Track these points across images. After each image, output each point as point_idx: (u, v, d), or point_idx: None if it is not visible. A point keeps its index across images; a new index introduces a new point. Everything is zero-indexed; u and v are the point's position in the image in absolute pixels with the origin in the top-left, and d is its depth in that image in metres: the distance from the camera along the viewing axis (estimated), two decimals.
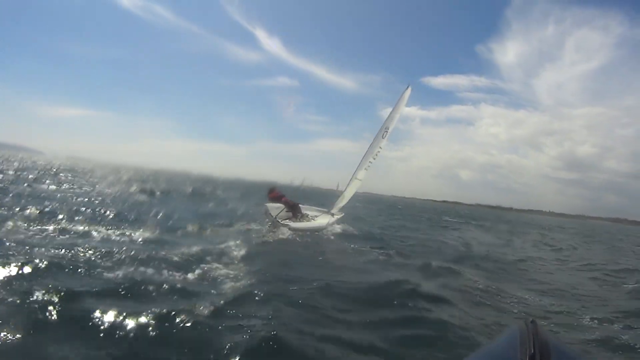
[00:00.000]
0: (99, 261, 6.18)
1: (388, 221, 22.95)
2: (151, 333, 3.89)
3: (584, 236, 32.50)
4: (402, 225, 21.40)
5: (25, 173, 26.73)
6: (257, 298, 5.19)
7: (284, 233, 11.46)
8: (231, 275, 6.32)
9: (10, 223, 8.29)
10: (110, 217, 10.88)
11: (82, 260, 6.09)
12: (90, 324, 3.95)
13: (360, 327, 4.71)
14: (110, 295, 4.75)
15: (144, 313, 4.16)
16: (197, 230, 10.67)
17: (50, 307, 4.13)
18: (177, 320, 4.12)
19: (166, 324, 4.05)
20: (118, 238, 8.40)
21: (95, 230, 8.74)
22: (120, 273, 5.68)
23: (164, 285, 5.29)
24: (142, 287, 5.12)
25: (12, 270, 5.09)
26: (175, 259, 6.92)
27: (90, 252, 6.63)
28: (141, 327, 3.95)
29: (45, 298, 4.30)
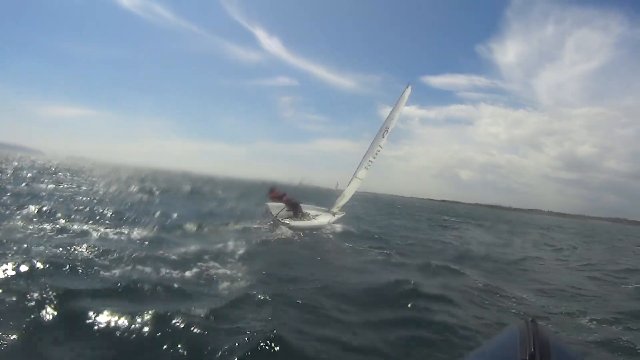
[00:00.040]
0: (96, 260, 6.15)
1: (387, 220, 22.91)
2: (149, 333, 3.86)
3: (584, 236, 32.47)
4: (401, 224, 21.35)
5: (24, 172, 26.66)
6: (256, 298, 5.15)
7: (284, 232, 11.43)
8: (230, 275, 6.29)
9: (8, 222, 8.26)
10: (109, 216, 10.85)
11: (80, 259, 6.07)
12: (87, 323, 3.91)
13: (360, 327, 4.68)
14: (108, 294, 4.72)
15: (142, 313, 4.13)
16: (196, 229, 10.64)
17: (48, 307, 4.11)
18: (176, 320, 4.09)
19: (164, 324, 4.01)
20: (116, 237, 8.37)
21: (94, 230, 8.72)
22: (118, 273, 5.65)
23: (162, 285, 5.26)
24: (140, 287, 5.09)
25: (10, 269, 5.06)
26: (174, 258, 6.90)
27: (88, 251, 6.61)
28: (139, 328, 3.92)
29: (43, 297, 4.27)
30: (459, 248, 13.53)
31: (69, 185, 20.44)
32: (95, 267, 5.73)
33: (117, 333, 3.81)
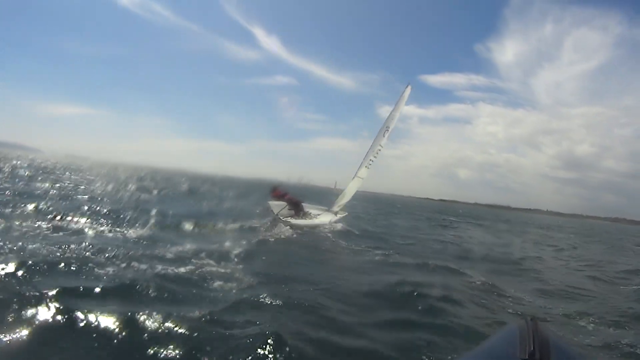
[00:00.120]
0: (92, 259, 6.05)
1: (387, 220, 22.90)
2: (145, 334, 3.78)
3: (584, 236, 32.51)
4: (401, 224, 21.36)
5: (22, 171, 26.59)
6: (255, 299, 5.08)
7: (283, 232, 11.38)
8: (228, 275, 6.19)
9: (4, 221, 8.17)
10: (106, 215, 10.76)
11: (75, 258, 5.97)
12: (82, 323, 3.83)
13: (360, 328, 4.62)
14: (103, 294, 4.63)
15: (137, 313, 4.06)
16: (193, 228, 10.58)
17: (42, 306, 4.03)
18: (172, 321, 4.01)
19: (160, 325, 3.93)
20: (113, 235, 8.30)
21: (90, 228, 8.64)
22: (114, 272, 5.57)
23: (159, 285, 5.17)
24: (136, 287, 5.00)
25: (5, 268, 4.98)
26: (171, 257, 6.83)
27: (84, 250, 6.53)
28: (134, 328, 3.84)
29: (37, 296, 4.19)
30: (459, 248, 13.54)
31: (67, 184, 20.36)
32: (91, 266, 5.64)
33: (112, 334, 3.73)
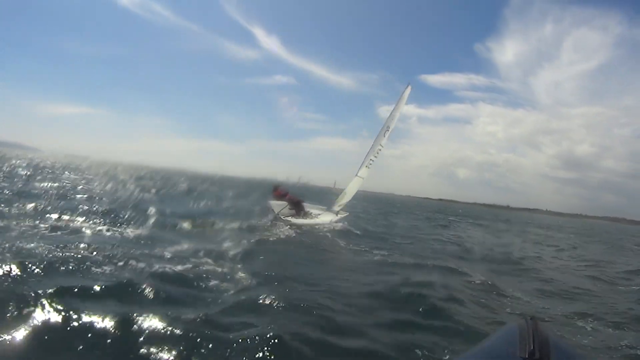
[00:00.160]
0: (90, 259, 5.99)
1: (386, 219, 22.88)
2: (141, 335, 3.73)
3: (584, 236, 32.53)
4: (401, 224, 21.35)
5: (20, 170, 26.53)
6: (254, 300, 5.05)
7: (282, 231, 11.36)
8: (227, 276, 6.14)
9: (2, 220, 8.14)
10: (104, 214, 10.70)
11: (72, 257, 5.91)
12: (78, 324, 3.79)
13: (360, 328, 4.59)
14: (100, 294, 4.59)
15: (134, 314, 4.02)
16: (192, 227, 10.55)
17: (39, 306, 3.98)
18: (170, 322, 3.96)
19: (157, 326, 3.88)
20: (110, 234, 8.27)
21: (88, 227, 8.60)
22: (111, 272, 5.52)
23: (156, 284, 5.12)
24: (133, 287, 4.95)
25: (2, 268, 4.92)
26: (169, 256, 6.79)
27: (81, 249, 6.48)
28: (131, 329, 3.80)
29: (34, 297, 4.14)
30: (459, 247, 13.55)
31: (65, 183, 20.30)
32: (89, 266, 5.60)
33: (109, 334, 3.69)
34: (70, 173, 30.69)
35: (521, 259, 11.99)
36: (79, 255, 6.08)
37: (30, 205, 10.34)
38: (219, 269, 6.41)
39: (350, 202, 16.78)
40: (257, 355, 3.61)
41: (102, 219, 9.92)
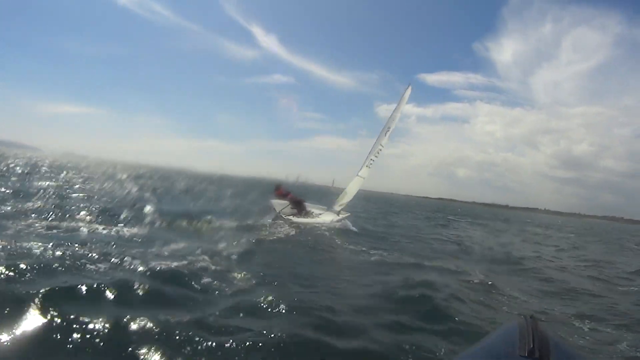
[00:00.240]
0: (86, 258, 5.92)
1: (386, 219, 22.87)
2: (138, 336, 3.66)
3: (584, 235, 32.61)
4: (400, 223, 21.38)
5: (18, 169, 26.46)
6: (252, 300, 4.99)
7: (281, 231, 11.31)
8: (225, 276, 6.05)
9: None
10: (102, 213, 10.63)
11: (70, 257, 5.85)
12: (74, 324, 3.70)
13: (359, 328, 4.53)
14: (97, 294, 4.51)
15: (131, 314, 3.96)
16: (191, 227, 10.50)
17: (33, 306, 3.90)
18: (167, 323, 3.89)
19: (154, 327, 3.81)
20: (107, 233, 8.21)
21: (85, 227, 8.52)
22: (108, 272, 5.45)
23: (153, 285, 5.05)
24: (130, 287, 4.86)
25: None
26: (166, 256, 6.72)
27: (77, 248, 6.41)
28: (127, 330, 3.73)
29: (28, 296, 4.06)
30: (459, 247, 13.59)
31: (64, 182, 20.22)
32: (84, 265, 5.53)
33: (103, 335, 3.61)
34: (68, 172, 30.57)
35: (521, 259, 11.96)
36: (75, 255, 6.01)
37: (27, 204, 10.26)
38: (216, 268, 6.33)
39: (350, 202, 16.79)
40: (256, 356, 3.56)
41: (98, 218, 9.85)
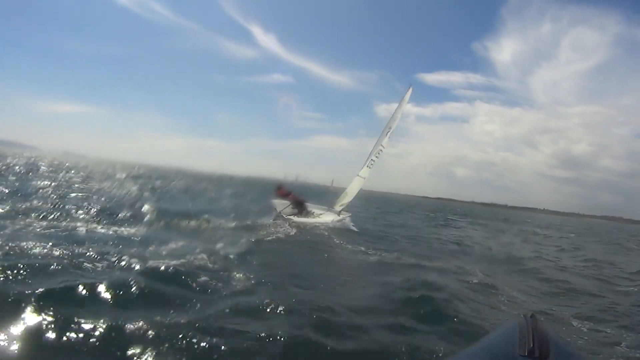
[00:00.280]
0: (82, 258, 5.88)
1: (386, 219, 22.85)
2: (134, 337, 3.61)
3: (584, 235, 32.61)
4: (400, 222, 21.37)
5: (17, 168, 26.38)
6: (251, 300, 4.95)
7: (285, 231, 11.27)
8: (224, 276, 6.00)
9: None
10: (101, 212, 10.56)
11: (67, 257, 5.81)
12: (69, 325, 3.66)
13: (359, 328, 4.50)
14: (92, 294, 4.46)
15: (128, 315, 3.93)
16: (189, 226, 10.46)
17: (28, 307, 3.86)
18: (165, 325, 3.85)
19: (151, 328, 3.76)
20: (105, 231, 8.17)
21: (83, 226, 8.47)
22: (105, 271, 5.41)
23: (150, 284, 5.00)
24: (127, 287, 4.80)
25: None
26: (164, 256, 6.66)
27: (74, 248, 6.35)
28: (124, 331, 3.68)
29: (24, 297, 4.02)
30: (459, 246, 13.60)
31: (62, 182, 20.16)
32: (81, 265, 5.49)
33: (98, 336, 3.57)
34: (67, 171, 30.51)
35: (521, 259, 11.96)
36: (73, 254, 5.98)
37: (25, 204, 10.21)
38: (215, 268, 6.28)
39: (351, 202, 16.82)
40: (255, 357, 3.53)
41: (97, 218, 9.80)
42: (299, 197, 14.28)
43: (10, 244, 6.06)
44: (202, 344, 3.61)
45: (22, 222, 8.05)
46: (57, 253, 5.92)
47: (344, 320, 4.68)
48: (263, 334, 3.87)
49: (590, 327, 5.69)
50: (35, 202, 10.80)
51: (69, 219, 9.12)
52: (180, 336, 3.68)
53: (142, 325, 3.77)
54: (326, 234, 12.21)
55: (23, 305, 3.88)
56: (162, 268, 5.77)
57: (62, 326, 3.63)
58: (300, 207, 13.99)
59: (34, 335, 3.49)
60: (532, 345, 0.85)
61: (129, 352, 3.41)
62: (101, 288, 4.62)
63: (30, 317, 3.72)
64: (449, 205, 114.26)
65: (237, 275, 6.03)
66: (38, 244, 6.30)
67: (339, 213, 15.11)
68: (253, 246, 8.60)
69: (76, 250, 6.23)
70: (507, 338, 0.92)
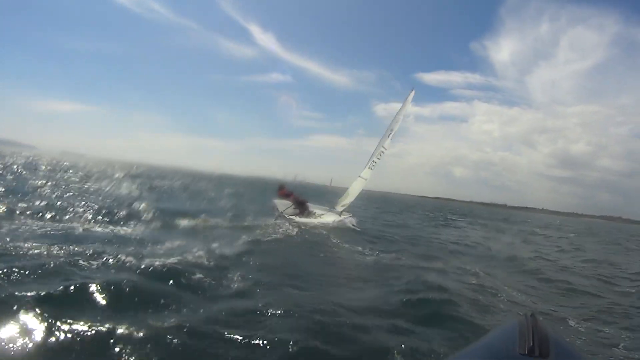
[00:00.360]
0: (80, 258, 5.81)
1: (386, 218, 22.84)
2: (131, 339, 3.55)
3: (583, 235, 32.66)
4: (400, 222, 21.36)
5: (14, 167, 26.33)
6: (250, 301, 4.91)
7: (281, 231, 11.20)
8: (221, 276, 5.93)
9: None
10: (99, 212, 10.51)
11: (64, 256, 5.76)
12: (64, 326, 3.60)
13: (359, 328, 4.43)
14: (88, 295, 4.40)
15: (124, 317, 3.88)
16: (188, 226, 10.40)
17: (23, 308, 3.79)
18: (163, 326, 3.79)
19: (149, 330, 3.70)
20: (102, 230, 8.14)
21: (81, 226, 8.43)
22: (101, 271, 5.35)
23: (149, 285, 4.96)
24: (125, 287, 4.74)
25: None
26: (162, 255, 6.58)
27: (71, 248, 6.30)
28: (120, 333, 3.61)
29: (18, 298, 3.96)
30: (459, 246, 13.56)
31: (60, 181, 20.13)
32: (78, 265, 5.44)
33: (99, 336, 3.52)
34: (65, 170, 30.47)
35: (521, 259, 11.92)
36: (70, 254, 5.94)
37: (23, 203, 10.16)
38: (213, 268, 6.22)
39: (352, 202, 16.82)
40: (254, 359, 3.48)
41: (95, 217, 9.76)
42: (300, 197, 14.31)
43: (7, 243, 6.03)
44: (198, 345, 3.56)
45: (19, 222, 8.01)
46: (54, 252, 5.88)
47: (343, 321, 4.62)
48: (261, 335, 3.82)
49: (590, 327, 5.68)
50: (33, 201, 10.74)
51: (67, 219, 9.08)
52: (175, 337, 3.62)
53: (137, 325, 3.71)
54: (325, 233, 12.15)
55: (19, 304, 3.83)
56: (160, 268, 5.71)
57: (58, 325, 3.58)
58: (302, 207, 14.02)
59: (30, 334, 3.44)
60: (532, 344, 0.85)
61: (123, 352, 3.36)
62: (97, 288, 4.55)
63: (25, 317, 3.66)
64: (448, 205, 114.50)
65: (235, 276, 5.95)
66: (35, 243, 6.26)
67: (340, 213, 15.13)
68: (253, 246, 8.55)
69: (73, 250, 6.19)
70: (507, 337, 0.92)
